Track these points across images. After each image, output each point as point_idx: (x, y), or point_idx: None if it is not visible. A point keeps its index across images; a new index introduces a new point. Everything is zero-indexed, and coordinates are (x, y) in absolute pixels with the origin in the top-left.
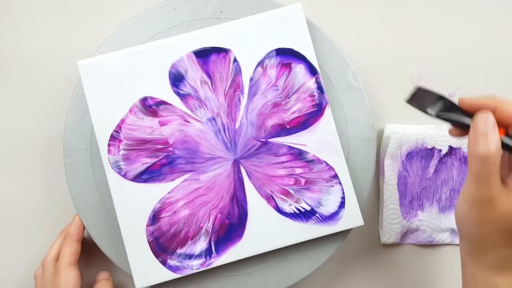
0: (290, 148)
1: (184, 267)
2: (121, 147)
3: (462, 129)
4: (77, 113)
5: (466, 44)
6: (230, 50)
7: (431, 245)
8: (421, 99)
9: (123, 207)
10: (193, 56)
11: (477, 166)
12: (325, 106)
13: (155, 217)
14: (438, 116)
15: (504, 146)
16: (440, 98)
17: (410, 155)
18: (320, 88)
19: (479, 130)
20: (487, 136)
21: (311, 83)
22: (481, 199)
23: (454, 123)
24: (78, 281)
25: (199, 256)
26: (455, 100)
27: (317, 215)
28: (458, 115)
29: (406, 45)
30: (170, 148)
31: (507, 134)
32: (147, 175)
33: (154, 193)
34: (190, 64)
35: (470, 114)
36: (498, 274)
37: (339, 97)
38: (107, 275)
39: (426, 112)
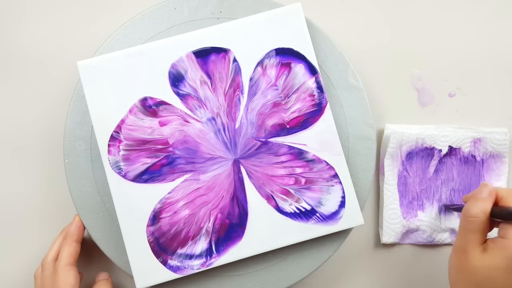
0: (290, 147)
1: (185, 267)
2: (121, 147)
3: None
4: (77, 114)
5: (466, 43)
6: (229, 50)
7: (431, 245)
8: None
9: (123, 207)
10: (193, 56)
11: (462, 222)
12: (325, 106)
13: (155, 218)
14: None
15: (493, 214)
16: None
17: (410, 155)
18: (319, 87)
19: (474, 195)
20: (476, 201)
21: (310, 83)
22: (459, 249)
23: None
24: (76, 281)
25: (199, 256)
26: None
27: (318, 214)
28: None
29: (406, 44)
30: (170, 148)
31: (497, 205)
32: (147, 176)
33: (154, 193)
34: (190, 64)
35: None
36: None
37: (339, 96)
38: (106, 275)
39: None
